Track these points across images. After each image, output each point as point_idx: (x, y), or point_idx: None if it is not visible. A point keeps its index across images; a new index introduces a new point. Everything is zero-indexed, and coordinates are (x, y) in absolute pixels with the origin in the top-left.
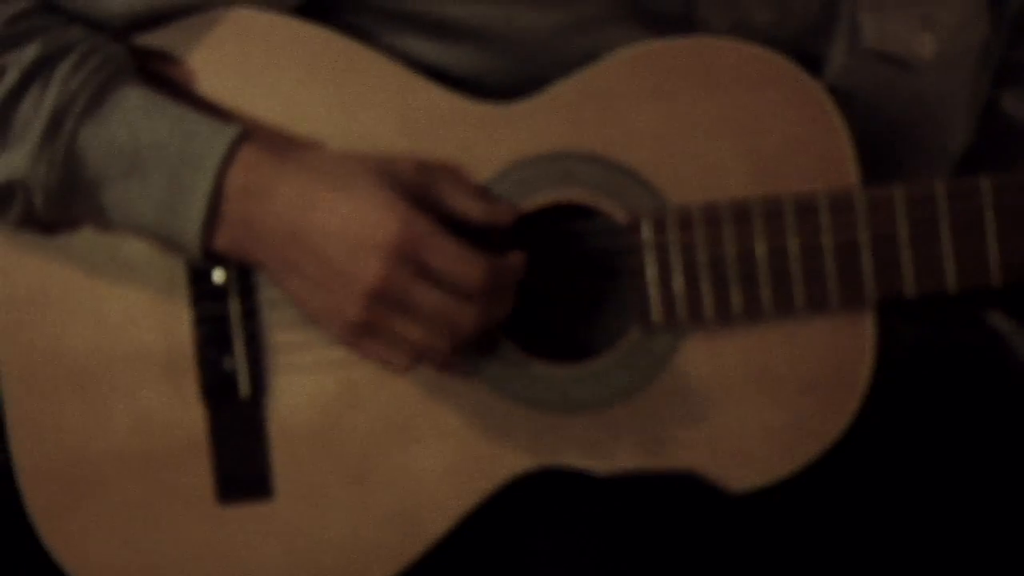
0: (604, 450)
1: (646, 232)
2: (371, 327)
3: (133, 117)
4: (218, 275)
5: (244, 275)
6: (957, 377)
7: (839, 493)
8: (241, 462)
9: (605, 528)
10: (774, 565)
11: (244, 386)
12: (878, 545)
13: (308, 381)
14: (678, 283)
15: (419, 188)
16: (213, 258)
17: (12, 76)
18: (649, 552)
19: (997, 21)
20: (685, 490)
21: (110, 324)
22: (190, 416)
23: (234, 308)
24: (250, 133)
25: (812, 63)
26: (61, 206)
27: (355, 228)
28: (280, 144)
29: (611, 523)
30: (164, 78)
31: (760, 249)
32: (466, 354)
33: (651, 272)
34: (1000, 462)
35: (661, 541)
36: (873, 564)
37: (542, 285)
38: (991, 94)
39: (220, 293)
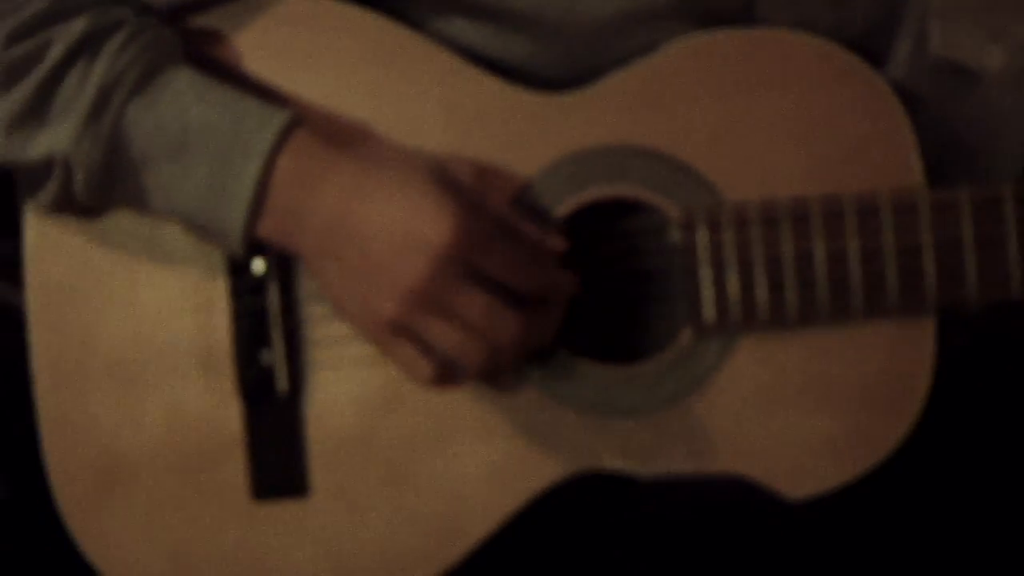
0: (651, 456)
1: (701, 230)
2: (404, 327)
3: (183, 98)
4: (258, 266)
5: (284, 267)
6: (1016, 380)
7: (898, 501)
8: (278, 460)
9: (660, 538)
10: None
11: (282, 382)
12: (941, 551)
13: (348, 378)
14: (732, 283)
15: (474, 194)
16: (252, 246)
17: (58, 50)
18: (705, 560)
19: None
20: (739, 496)
21: (146, 315)
22: (226, 411)
23: (273, 301)
24: (301, 119)
25: (873, 63)
26: (102, 186)
27: (405, 224)
28: (332, 132)
29: (664, 531)
30: (211, 62)
31: (819, 250)
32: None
33: (704, 271)
34: None
35: (717, 548)
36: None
37: (592, 284)
38: None
39: (259, 285)
